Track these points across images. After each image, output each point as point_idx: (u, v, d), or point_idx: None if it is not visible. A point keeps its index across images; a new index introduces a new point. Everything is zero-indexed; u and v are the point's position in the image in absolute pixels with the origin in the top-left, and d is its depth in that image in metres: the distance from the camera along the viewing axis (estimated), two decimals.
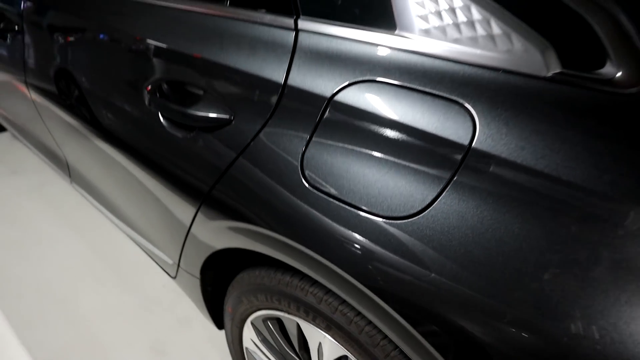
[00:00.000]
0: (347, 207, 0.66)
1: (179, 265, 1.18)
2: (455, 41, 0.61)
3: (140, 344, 1.52)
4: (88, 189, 1.59)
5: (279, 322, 0.98)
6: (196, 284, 1.14)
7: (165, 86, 0.94)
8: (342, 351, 0.81)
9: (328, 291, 0.77)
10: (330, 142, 0.69)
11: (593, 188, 0.50)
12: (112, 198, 1.43)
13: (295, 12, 0.77)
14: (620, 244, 0.48)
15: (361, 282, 0.64)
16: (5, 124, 2.20)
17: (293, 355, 0.98)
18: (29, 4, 1.45)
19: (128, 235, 1.49)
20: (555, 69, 0.55)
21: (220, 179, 0.85)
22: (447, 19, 0.61)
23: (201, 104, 0.86)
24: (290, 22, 0.77)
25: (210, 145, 0.87)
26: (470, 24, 0.60)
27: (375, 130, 0.65)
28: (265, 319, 0.99)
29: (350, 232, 0.65)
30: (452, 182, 0.58)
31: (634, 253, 0.47)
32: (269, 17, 0.80)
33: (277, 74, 0.76)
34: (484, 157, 0.56)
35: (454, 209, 0.57)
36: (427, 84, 0.62)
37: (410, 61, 0.64)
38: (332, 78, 0.70)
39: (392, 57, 0.66)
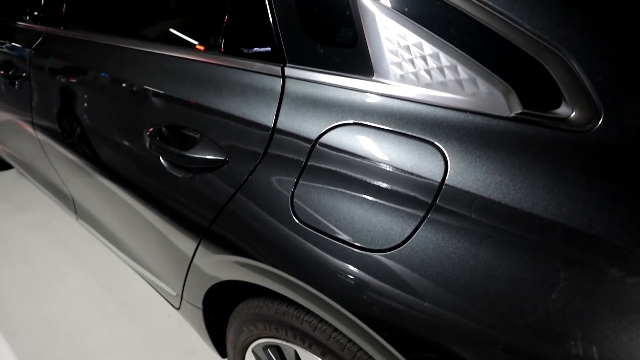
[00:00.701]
0: (334, 241, 0.71)
1: (182, 296, 1.22)
2: (427, 86, 0.67)
3: None
4: (94, 225, 1.65)
5: (278, 349, 1.02)
6: (199, 314, 1.18)
7: (164, 130, 1.01)
8: None
9: (321, 319, 0.81)
10: (316, 181, 0.75)
11: (553, 219, 0.55)
12: (116, 233, 1.48)
13: (282, 60, 0.83)
14: (569, 273, 0.53)
15: (349, 310, 0.69)
16: (12, 162, 2.28)
17: None
18: (34, 52, 1.53)
19: (133, 269, 1.54)
20: (516, 109, 0.60)
21: (218, 215, 0.90)
22: (419, 66, 0.67)
23: (198, 147, 0.92)
24: (277, 69, 0.83)
25: (208, 184, 0.92)
26: (440, 70, 0.66)
27: (357, 169, 0.70)
28: (265, 347, 1.03)
29: (337, 263, 0.70)
30: (427, 216, 0.63)
31: (579, 281, 0.52)
32: (258, 65, 0.86)
33: (266, 119, 0.82)
34: (456, 192, 0.61)
35: (430, 241, 0.62)
36: (402, 125, 0.68)
37: (387, 105, 0.70)
38: (316, 122, 0.76)
39: (370, 101, 0.72)
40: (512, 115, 0.60)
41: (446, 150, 0.64)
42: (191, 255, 1.03)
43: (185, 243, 1.04)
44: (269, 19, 0.84)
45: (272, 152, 0.81)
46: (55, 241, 2.25)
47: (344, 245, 0.69)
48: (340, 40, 0.76)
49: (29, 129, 1.67)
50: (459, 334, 0.59)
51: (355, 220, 0.69)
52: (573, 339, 0.51)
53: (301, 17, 0.81)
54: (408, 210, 0.65)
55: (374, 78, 0.72)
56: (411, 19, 0.67)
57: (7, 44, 1.73)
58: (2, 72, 1.65)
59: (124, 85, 1.18)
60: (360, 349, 0.76)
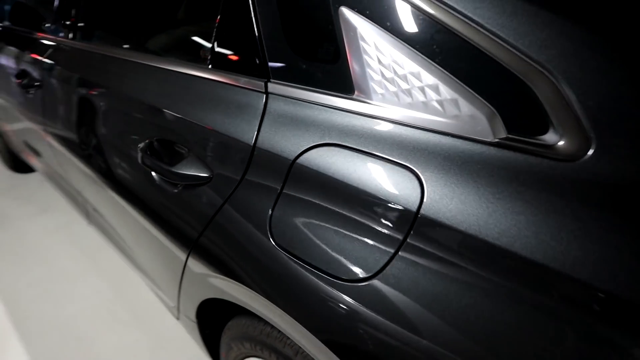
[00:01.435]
0: (308, 267, 0.67)
1: (179, 309, 1.22)
2: (408, 106, 0.63)
3: None
4: (102, 231, 1.67)
5: None
6: (194, 327, 1.17)
7: (156, 144, 1.00)
8: None
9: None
10: (294, 204, 0.71)
11: (533, 259, 0.50)
12: (121, 241, 1.49)
13: (266, 75, 0.80)
14: (545, 318, 0.47)
15: (319, 338, 0.65)
16: (34, 166, 2.35)
17: None
18: (46, 62, 1.57)
19: (139, 276, 1.55)
20: (500, 134, 0.55)
21: (203, 232, 0.88)
22: (400, 85, 0.63)
23: (184, 163, 0.90)
24: (261, 84, 0.80)
25: (193, 201, 0.91)
26: (421, 89, 0.61)
27: (333, 193, 0.67)
28: None
29: (310, 291, 0.67)
30: (400, 249, 0.59)
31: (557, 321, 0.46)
32: (243, 80, 0.84)
33: (247, 136, 0.80)
34: (431, 223, 0.57)
35: (404, 273, 0.58)
36: (381, 148, 0.64)
37: (365, 125, 0.66)
38: (295, 141, 0.73)
39: (349, 121, 0.68)
40: (496, 140, 0.56)
41: (423, 177, 0.59)
42: (181, 270, 1.02)
43: (175, 257, 1.03)
44: (254, 33, 0.82)
45: (253, 171, 0.79)
46: (73, 244, 2.30)
47: (318, 273, 0.66)
48: (323, 56, 0.72)
49: (43, 136, 1.71)
50: None
51: (329, 247, 0.66)
52: None
53: (285, 30, 0.78)
54: (382, 241, 0.61)
55: (354, 96, 0.68)
56: (393, 34, 0.63)
57: (23, 53, 1.78)
58: (19, 80, 1.69)
59: (120, 96, 1.18)
60: None
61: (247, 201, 0.78)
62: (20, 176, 3.02)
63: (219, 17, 0.90)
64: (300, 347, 0.79)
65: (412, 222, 0.58)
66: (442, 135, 0.60)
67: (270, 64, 0.79)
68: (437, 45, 0.60)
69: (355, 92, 0.68)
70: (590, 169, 0.50)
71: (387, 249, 0.60)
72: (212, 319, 1.15)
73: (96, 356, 1.66)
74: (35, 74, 1.64)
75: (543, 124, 0.53)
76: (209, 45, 0.92)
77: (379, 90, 0.65)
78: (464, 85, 0.58)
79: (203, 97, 0.91)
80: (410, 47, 0.62)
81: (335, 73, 0.70)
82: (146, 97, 1.06)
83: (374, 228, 0.62)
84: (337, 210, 0.66)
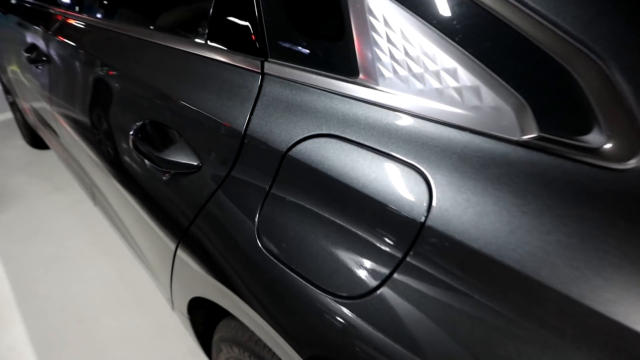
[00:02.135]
0: (297, 277, 0.58)
1: (172, 302, 1.15)
2: (419, 93, 0.52)
3: None
4: (106, 214, 1.62)
5: None
6: (187, 322, 1.11)
7: (148, 127, 0.92)
8: None
9: None
10: (284, 202, 0.62)
11: (561, 291, 0.39)
12: (121, 225, 1.44)
13: (263, 54, 0.71)
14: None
15: (300, 355, 0.57)
16: (49, 144, 2.33)
17: None
18: (52, 36, 1.51)
19: (139, 263, 1.50)
20: (531, 132, 0.45)
21: (190, 226, 0.80)
22: (410, 67, 0.53)
23: (173, 148, 0.82)
24: (257, 63, 0.71)
25: (182, 190, 0.83)
26: (435, 74, 0.51)
27: (328, 193, 0.57)
28: None
29: (297, 303, 0.58)
30: (402, 263, 0.49)
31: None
32: (238, 58, 0.74)
33: (238, 121, 0.70)
34: (438, 237, 0.47)
35: (402, 292, 0.49)
36: (384, 142, 0.54)
37: (369, 114, 0.56)
38: (289, 130, 0.63)
39: (350, 108, 0.58)
40: (524, 139, 0.45)
41: (432, 179, 0.49)
42: (171, 262, 0.95)
43: (165, 249, 0.95)
44: (253, 6, 0.72)
45: (242, 161, 0.70)
46: (83, 224, 2.28)
47: (308, 285, 0.57)
48: (326, 32, 0.62)
49: (51, 113, 1.66)
50: None
51: (321, 256, 0.56)
52: None
53: (286, 3, 0.68)
54: (382, 252, 0.51)
55: (358, 79, 0.58)
56: (405, 7, 0.53)
57: (31, 27, 1.73)
58: (28, 54, 1.65)
59: (117, 73, 1.10)
60: None
61: (235, 195, 0.70)
62: (38, 152, 3.02)
63: None
64: None
65: (416, 234, 0.48)
66: (458, 130, 0.49)
67: (269, 40, 0.70)
68: (457, 21, 0.49)
69: (360, 75, 0.58)
70: None
71: (385, 265, 0.50)
72: (206, 316, 1.08)
73: (96, 340, 1.63)
74: (42, 48, 1.59)
75: (586, 121, 0.42)
76: (205, 19, 0.83)
77: (387, 73, 0.55)
78: (488, 70, 0.47)
79: (197, 76, 0.82)
80: (425, 22, 0.51)
81: (338, 52, 0.60)
82: (140, 74, 0.98)
83: (372, 238, 0.53)
84: (332, 213, 0.57)
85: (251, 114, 0.69)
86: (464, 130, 0.49)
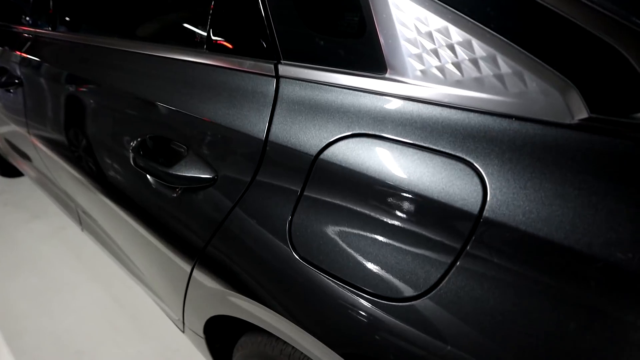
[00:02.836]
0: (341, 284, 0.56)
1: (184, 322, 1.11)
2: (457, 84, 0.51)
3: None
4: (97, 238, 1.55)
5: None
6: (202, 342, 1.06)
7: (149, 142, 0.88)
8: None
9: None
10: (319, 208, 0.60)
11: (633, 270, 0.38)
12: (118, 250, 1.38)
13: (275, 57, 0.68)
14: None
15: None
16: (22, 170, 2.22)
17: None
18: (24, 57, 1.43)
19: (139, 286, 1.44)
20: (581, 114, 0.44)
21: (209, 242, 0.77)
22: (445, 58, 0.51)
23: (183, 163, 0.78)
24: (270, 67, 0.68)
25: (196, 206, 0.79)
26: (473, 62, 0.50)
27: (368, 194, 0.55)
28: None
29: (344, 311, 0.55)
30: (460, 259, 0.47)
31: None
32: (248, 63, 0.72)
33: (257, 129, 0.68)
34: (499, 228, 0.45)
35: (463, 291, 0.47)
36: (425, 137, 0.52)
37: (404, 110, 0.54)
38: (317, 133, 0.61)
39: (383, 105, 0.56)
40: (575, 121, 0.44)
41: (484, 171, 0.47)
42: (186, 283, 0.91)
43: (178, 269, 0.91)
44: (259, 6, 0.69)
45: (266, 169, 0.67)
46: (67, 251, 2.18)
47: (354, 290, 0.54)
48: (345, 29, 0.60)
49: (27, 138, 1.58)
50: None
51: (367, 259, 0.54)
52: None
53: (296, 1, 0.65)
54: (435, 249, 0.49)
55: (387, 75, 0.56)
56: None
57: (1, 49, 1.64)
58: None
59: (107, 90, 1.05)
60: None
61: (260, 205, 0.67)
62: (9, 180, 2.88)
63: None
64: None
65: (473, 226, 0.47)
66: (503, 119, 0.48)
67: (280, 42, 0.67)
68: (490, 6, 0.49)
69: (388, 71, 0.56)
70: None
71: (442, 261, 0.49)
72: (223, 333, 1.03)
73: None
74: (14, 71, 1.51)
75: (637, 98, 0.42)
76: (205, 24, 0.79)
77: (418, 66, 0.53)
78: (529, 55, 0.46)
79: (201, 85, 0.78)
80: (456, 10, 0.50)
81: (361, 48, 0.58)
82: (135, 89, 0.94)
83: (422, 236, 0.51)
84: (376, 214, 0.55)
85: (271, 120, 0.66)
86: (510, 117, 0.48)
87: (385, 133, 0.55)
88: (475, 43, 0.49)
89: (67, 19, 1.32)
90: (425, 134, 0.52)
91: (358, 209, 0.56)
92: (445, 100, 0.51)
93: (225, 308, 0.80)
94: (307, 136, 0.61)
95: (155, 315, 1.77)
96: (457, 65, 0.51)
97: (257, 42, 0.70)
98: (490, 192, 0.47)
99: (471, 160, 0.48)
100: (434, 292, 0.49)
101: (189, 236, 0.83)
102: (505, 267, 0.45)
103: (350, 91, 0.59)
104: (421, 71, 0.53)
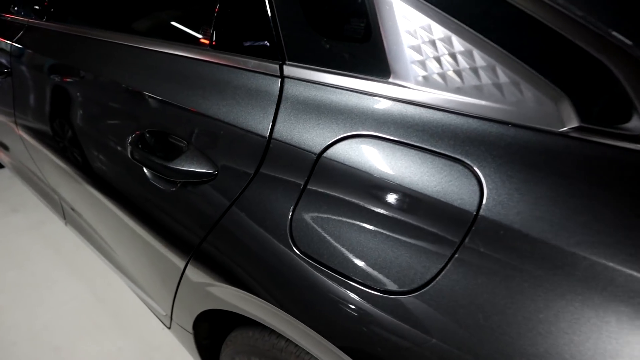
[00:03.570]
0: (341, 278, 0.58)
1: (171, 318, 1.11)
2: (457, 91, 0.54)
3: None
4: (82, 232, 1.54)
5: None
6: (190, 338, 1.07)
7: (147, 136, 0.89)
8: None
9: None
10: (320, 204, 0.62)
11: (621, 268, 0.42)
12: (104, 244, 1.37)
13: (280, 57, 0.70)
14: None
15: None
16: (3, 162, 2.17)
17: None
18: (15, 46, 1.42)
19: (123, 281, 1.43)
20: (572, 123, 0.47)
21: (206, 237, 0.78)
22: (447, 66, 0.54)
23: (183, 157, 0.79)
24: (275, 67, 0.70)
25: (195, 200, 0.80)
26: (473, 71, 0.53)
27: (369, 192, 0.58)
28: None
29: (343, 305, 0.57)
30: (456, 254, 0.50)
31: None
32: (253, 63, 0.74)
33: (261, 126, 0.70)
34: (494, 227, 0.49)
35: (458, 285, 0.50)
36: (426, 139, 0.55)
37: (406, 113, 0.57)
38: (321, 132, 0.63)
39: (386, 108, 0.59)
40: (566, 130, 0.48)
41: (481, 173, 0.51)
42: (178, 279, 0.91)
43: (171, 264, 0.92)
44: (265, 8, 0.72)
45: (268, 166, 0.69)
46: (47, 245, 2.15)
47: (354, 284, 0.57)
48: (350, 34, 0.63)
49: (13, 128, 1.56)
50: None
51: (367, 254, 0.57)
52: None
53: (303, 5, 0.68)
54: (433, 245, 0.52)
55: (390, 80, 0.59)
56: (437, 7, 0.54)
57: None
58: None
59: (106, 83, 1.06)
60: None
61: (261, 201, 0.68)
62: None
63: None
64: None
65: (470, 225, 0.50)
66: (500, 125, 0.51)
67: (286, 43, 0.70)
68: (491, 19, 0.52)
69: (391, 76, 0.59)
70: None
71: (439, 256, 0.51)
72: (212, 329, 1.04)
73: None
74: (4, 60, 1.49)
75: (625, 109, 0.45)
76: (209, 22, 0.81)
77: (421, 72, 0.56)
78: (526, 66, 0.50)
79: (205, 82, 0.80)
80: (459, 21, 0.53)
81: (366, 53, 0.61)
82: (135, 83, 0.95)
83: (420, 232, 0.53)
84: (375, 212, 0.57)
85: (275, 118, 0.68)
86: (507, 124, 0.51)
87: (387, 134, 0.57)
88: (476, 53, 0.52)
89: (66, 8, 1.32)
90: (425, 137, 0.55)
91: (359, 207, 0.58)
92: (446, 105, 0.55)
93: (219, 302, 0.81)
94: (311, 135, 0.64)
95: (137, 312, 1.75)
96: (458, 73, 0.54)
97: (262, 43, 0.73)
98: (487, 193, 0.50)
99: (469, 163, 0.51)
100: (431, 285, 0.51)
101: (184, 231, 0.84)
102: (500, 262, 0.48)
103: (354, 93, 0.62)
104: (423, 77, 0.56)
